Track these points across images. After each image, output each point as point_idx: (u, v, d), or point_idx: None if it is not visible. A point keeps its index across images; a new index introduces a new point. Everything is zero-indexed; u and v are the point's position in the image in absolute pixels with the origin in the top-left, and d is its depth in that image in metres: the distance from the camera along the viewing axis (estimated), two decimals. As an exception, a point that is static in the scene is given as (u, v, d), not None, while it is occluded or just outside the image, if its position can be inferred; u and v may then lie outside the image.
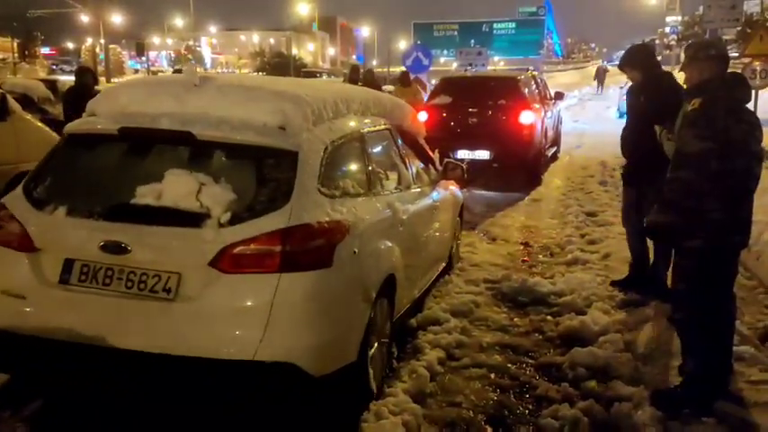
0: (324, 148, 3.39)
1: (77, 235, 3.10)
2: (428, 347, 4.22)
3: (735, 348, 4.10)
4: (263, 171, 3.15)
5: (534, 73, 13.64)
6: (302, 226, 3.02)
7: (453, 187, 5.88)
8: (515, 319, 4.92)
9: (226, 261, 2.94)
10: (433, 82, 24.37)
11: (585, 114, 23.68)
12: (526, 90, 11.23)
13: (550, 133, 12.54)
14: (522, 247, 7.07)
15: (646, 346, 4.28)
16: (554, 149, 13.44)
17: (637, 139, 5.05)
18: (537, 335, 4.64)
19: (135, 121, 3.33)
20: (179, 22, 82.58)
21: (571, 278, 5.67)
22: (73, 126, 3.57)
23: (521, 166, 10.69)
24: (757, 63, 12.69)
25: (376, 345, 3.60)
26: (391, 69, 51.22)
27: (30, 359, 3.19)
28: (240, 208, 3.02)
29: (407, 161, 4.76)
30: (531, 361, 4.22)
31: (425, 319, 4.72)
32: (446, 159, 5.69)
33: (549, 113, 12.31)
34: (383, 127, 4.46)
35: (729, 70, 3.60)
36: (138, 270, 3.01)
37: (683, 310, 3.53)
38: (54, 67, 55.50)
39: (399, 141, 4.75)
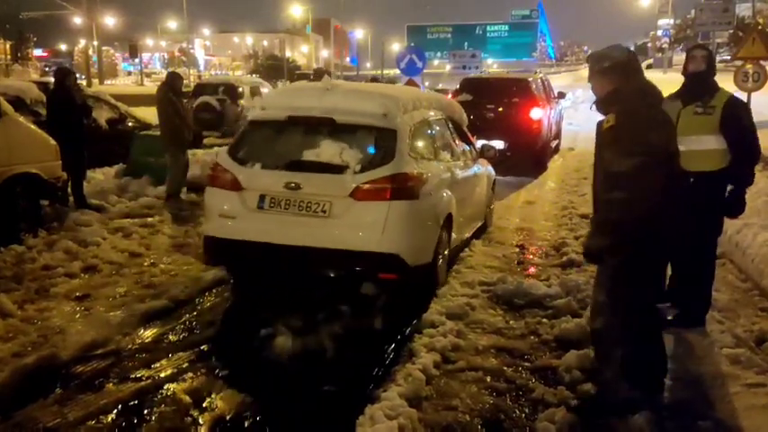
0: (409, 128, 5.32)
1: (268, 179, 5.03)
2: (423, 351, 4.20)
3: (731, 351, 4.13)
4: (377, 141, 5.12)
5: (541, 75, 15.22)
6: (402, 174, 4.94)
7: (488, 166, 7.81)
8: (511, 322, 4.91)
9: (359, 193, 4.85)
10: (427, 84, 24.37)
11: (579, 116, 23.69)
12: (535, 90, 12.95)
13: (554, 128, 14.45)
14: (517, 250, 7.07)
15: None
16: (557, 142, 15.12)
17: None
18: (533, 338, 4.63)
19: (296, 112, 5.33)
20: (172, 24, 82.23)
21: (566, 280, 5.66)
22: (253, 115, 5.68)
23: (531, 155, 12.37)
24: (749, 66, 12.76)
25: (440, 257, 5.48)
26: (385, 72, 51.13)
27: (238, 255, 5.20)
28: (365, 162, 4.96)
29: (456, 141, 6.78)
30: (526, 364, 4.20)
31: (421, 322, 4.71)
32: (483, 143, 7.88)
33: (553, 111, 14.15)
34: (441, 116, 6.54)
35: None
36: (305, 199, 4.91)
37: (604, 321, 3.44)
38: (47, 69, 55.25)
39: (451, 127, 6.81)
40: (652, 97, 3.35)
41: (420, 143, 5.56)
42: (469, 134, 7.46)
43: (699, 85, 4.46)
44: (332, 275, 5.08)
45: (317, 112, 5.22)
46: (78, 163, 8.24)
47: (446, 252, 5.69)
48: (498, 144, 11.23)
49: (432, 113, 6.21)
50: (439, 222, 5.35)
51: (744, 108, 4.48)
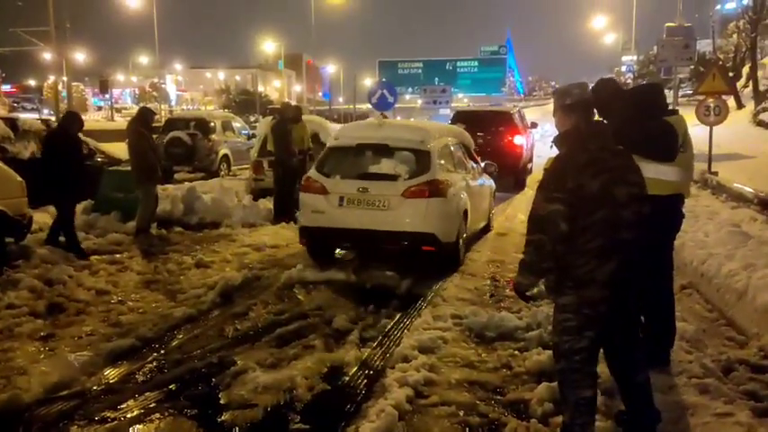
0: (439, 149, 7.75)
1: (345, 185, 7.35)
2: (396, 386, 4.17)
3: (699, 381, 4.16)
4: (417, 158, 7.48)
5: (519, 108, 19.38)
6: (435, 180, 7.27)
7: (490, 179, 10.28)
8: (483, 355, 4.90)
9: (407, 193, 7.14)
10: (398, 118, 24.70)
11: (547, 149, 24.11)
12: (516, 120, 16.23)
13: (529, 152, 17.45)
14: (488, 282, 7.10)
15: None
16: (531, 165, 17.63)
17: None
18: (505, 370, 4.63)
19: (362, 140, 7.94)
20: (144, 59, 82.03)
21: (538, 312, 5.67)
22: (331, 143, 8.17)
23: (513, 174, 15.10)
24: (711, 100, 13.14)
25: (461, 241, 7.74)
26: (357, 106, 51.48)
27: (324, 237, 7.61)
28: (411, 172, 7.34)
29: (467, 160, 9.19)
30: (499, 397, 4.19)
31: (393, 357, 4.68)
32: (485, 162, 10.30)
33: (529, 138, 17.35)
34: (456, 142, 9.06)
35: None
36: (371, 198, 7.20)
37: (558, 364, 3.40)
38: (15, 104, 54.62)
39: (463, 150, 9.23)
40: (594, 143, 3.25)
41: (445, 160, 7.92)
42: (475, 155, 9.96)
43: None
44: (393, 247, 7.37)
45: (375, 140, 7.77)
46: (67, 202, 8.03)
47: (464, 237, 7.89)
48: None
49: (450, 140, 8.67)
50: (459, 214, 7.65)
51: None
